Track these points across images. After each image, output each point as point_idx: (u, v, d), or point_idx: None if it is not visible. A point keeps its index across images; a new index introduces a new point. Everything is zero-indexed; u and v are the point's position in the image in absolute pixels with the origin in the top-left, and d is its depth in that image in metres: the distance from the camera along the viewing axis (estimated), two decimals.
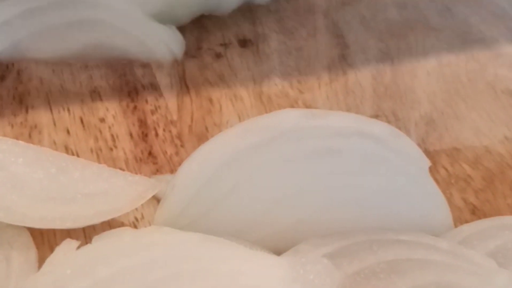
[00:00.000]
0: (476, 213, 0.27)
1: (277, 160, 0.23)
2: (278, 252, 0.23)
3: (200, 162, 0.23)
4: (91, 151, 0.28)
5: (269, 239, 0.24)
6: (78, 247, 0.22)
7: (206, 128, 0.31)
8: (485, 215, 0.27)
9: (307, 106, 0.32)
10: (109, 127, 0.30)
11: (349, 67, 0.36)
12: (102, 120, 0.30)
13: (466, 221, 0.27)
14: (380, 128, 0.24)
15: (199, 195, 0.23)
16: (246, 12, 0.39)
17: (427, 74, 0.36)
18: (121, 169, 0.28)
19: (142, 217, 0.25)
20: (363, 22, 0.40)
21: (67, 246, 0.22)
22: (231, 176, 0.23)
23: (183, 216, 0.23)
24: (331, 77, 0.35)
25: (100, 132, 0.30)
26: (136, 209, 0.25)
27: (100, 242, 0.21)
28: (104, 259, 0.20)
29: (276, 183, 0.23)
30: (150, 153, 0.29)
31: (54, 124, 0.30)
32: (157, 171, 0.28)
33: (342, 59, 0.36)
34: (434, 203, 0.25)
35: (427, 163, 0.25)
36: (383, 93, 0.34)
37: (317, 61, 0.36)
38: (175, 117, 0.31)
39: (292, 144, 0.23)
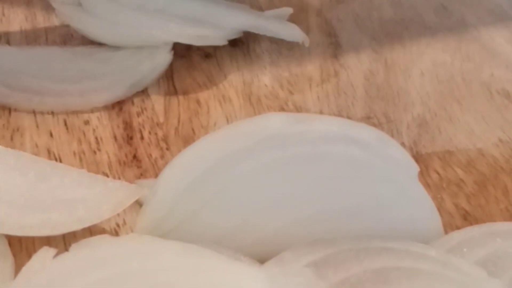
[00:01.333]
0: (468, 218, 0.27)
1: (261, 166, 0.22)
2: (262, 259, 0.22)
3: (182, 167, 0.23)
4: (74, 154, 0.28)
5: (252, 246, 0.23)
6: (57, 255, 0.21)
7: (193, 130, 0.30)
8: (477, 221, 0.27)
9: (297, 107, 0.32)
10: (93, 130, 0.29)
11: (341, 67, 0.35)
12: (87, 122, 0.30)
13: (457, 227, 0.26)
14: (367, 133, 0.23)
15: (181, 201, 0.23)
16: None
17: (421, 75, 0.35)
18: (104, 173, 0.27)
19: (124, 223, 0.25)
20: (357, 21, 0.39)
21: (44, 255, 0.21)
22: (214, 182, 0.22)
23: (164, 223, 0.23)
24: (322, 78, 0.34)
25: (84, 134, 0.29)
26: (118, 214, 0.25)
27: (77, 251, 0.21)
28: (79, 269, 0.19)
29: (260, 189, 0.23)
30: (134, 157, 0.28)
31: (37, 127, 0.29)
32: (141, 175, 0.27)
33: (334, 59, 0.36)
34: (423, 210, 0.24)
35: (415, 169, 0.24)
36: (375, 94, 0.33)
37: (308, 61, 0.35)
38: (161, 119, 0.30)
39: (277, 149, 0.23)
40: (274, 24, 0.35)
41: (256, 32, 0.35)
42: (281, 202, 0.23)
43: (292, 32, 0.35)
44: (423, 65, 0.36)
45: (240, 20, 0.34)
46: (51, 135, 0.29)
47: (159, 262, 0.20)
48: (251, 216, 0.23)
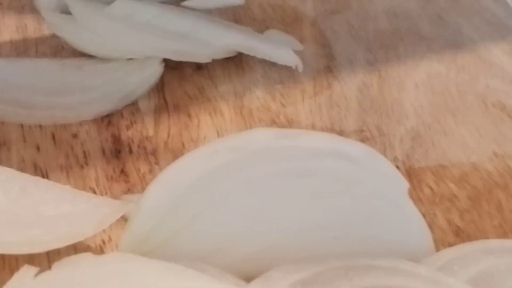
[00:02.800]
0: (460, 235, 0.26)
1: (247, 182, 0.22)
2: (248, 277, 0.22)
3: (167, 183, 0.22)
4: (61, 169, 0.27)
5: (238, 264, 0.22)
6: (39, 273, 0.21)
7: (183, 144, 0.29)
8: (469, 237, 0.26)
9: (289, 120, 0.31)
10: (81, 143, 0.29)
11: (335, 79, 0.34)
12: (75, 135, 0.29)
13: (450, 244, 0.26)
14: (356, 148, 0.23)
15: (166, 218, 0.22)
16: (231, 20, 0.38)
17: (415, 86, 0.34)
18: (91, 188, 0.27)
19: (110, 239, 0.24)
20: (352, 31, 0.38)
21: (25, 273, 0.21)
22: (199, 199, 0.22)
23: (149, 241, 0.22)
24: (315, 90, 0.34)
25: (72, 148, 0.28)
26: (104, 231, 0.24)
27: (58, 270, 0.20)
28: None
29: (246, 206, 0.22)
30: (122, 171, 0.28)
31: (24, 140, 0.29)
32: (129, 190, 0.27)
33: (328, 70, 0.35)
34: (413, 227, 0.23)
35: (406, 185, 0.23)
36: (368, 106, 0.33)
37: (301, 72, 0.35)
38: (151, 133, 0.30)
39: (264, 164, 0.22)
40: (267, 47, 0.34)
41: (248, 53, 0.34)
42: (268, 218, 0.22)
43: (286, 57, 0.34)
44: (418, 76, 0.35)
45: (231, 40, 0.33)
46: (38, 149, 0.28)
47: (141, 282, 0.19)
48: (237, 234, 0.22)
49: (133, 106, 0.31)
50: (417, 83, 0.35)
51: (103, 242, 0.24)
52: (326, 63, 0.36)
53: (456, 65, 0.36)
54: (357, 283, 0.22)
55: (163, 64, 0.33)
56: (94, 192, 0.26)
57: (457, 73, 0.36)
